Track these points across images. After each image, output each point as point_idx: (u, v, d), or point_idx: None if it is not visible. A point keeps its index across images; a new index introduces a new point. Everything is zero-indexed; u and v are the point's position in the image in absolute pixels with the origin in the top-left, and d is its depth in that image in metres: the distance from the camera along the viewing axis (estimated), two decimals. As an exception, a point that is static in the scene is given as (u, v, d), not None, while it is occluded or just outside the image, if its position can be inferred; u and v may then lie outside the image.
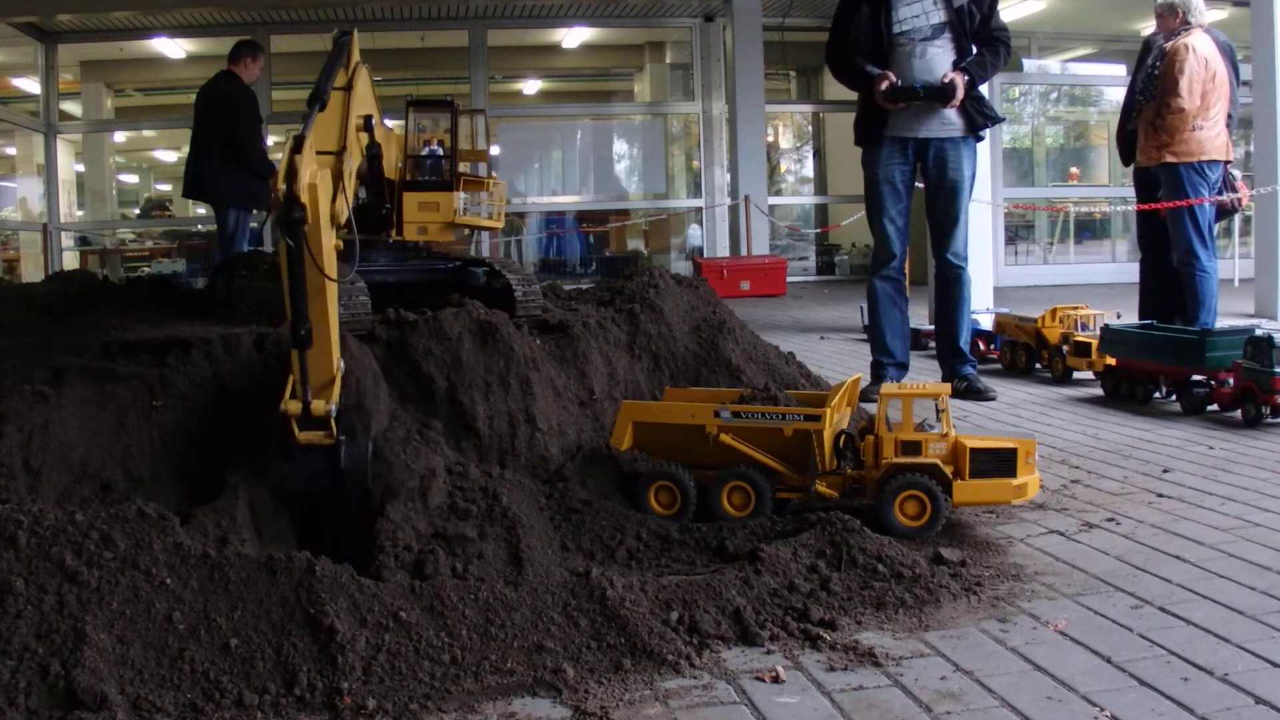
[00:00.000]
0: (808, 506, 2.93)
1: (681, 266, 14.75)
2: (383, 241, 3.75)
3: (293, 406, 2.54)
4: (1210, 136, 5.91)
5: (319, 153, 2.54)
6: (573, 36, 16.22)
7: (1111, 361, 4.97)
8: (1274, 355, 4.11)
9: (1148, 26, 15.14)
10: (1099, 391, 5.07)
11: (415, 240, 3.74)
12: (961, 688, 2.01)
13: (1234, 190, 6.10)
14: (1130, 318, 5.89)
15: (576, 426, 3.25)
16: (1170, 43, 5.90)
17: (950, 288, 5.07)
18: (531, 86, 18.37)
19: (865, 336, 5.60)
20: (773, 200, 15.22)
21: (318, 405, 2.54)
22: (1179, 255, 5.91)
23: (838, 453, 3.03)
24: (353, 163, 2.81)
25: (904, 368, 5.09)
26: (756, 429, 2.99)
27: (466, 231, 4.13)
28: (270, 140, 9.89)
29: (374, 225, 3.59)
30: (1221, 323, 5.94)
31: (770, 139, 17.17)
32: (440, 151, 3.81)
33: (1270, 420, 4.19)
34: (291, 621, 2.07)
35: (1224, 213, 6.30)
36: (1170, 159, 5.91)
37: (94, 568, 2.07)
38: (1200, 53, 5.83)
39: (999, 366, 5.92)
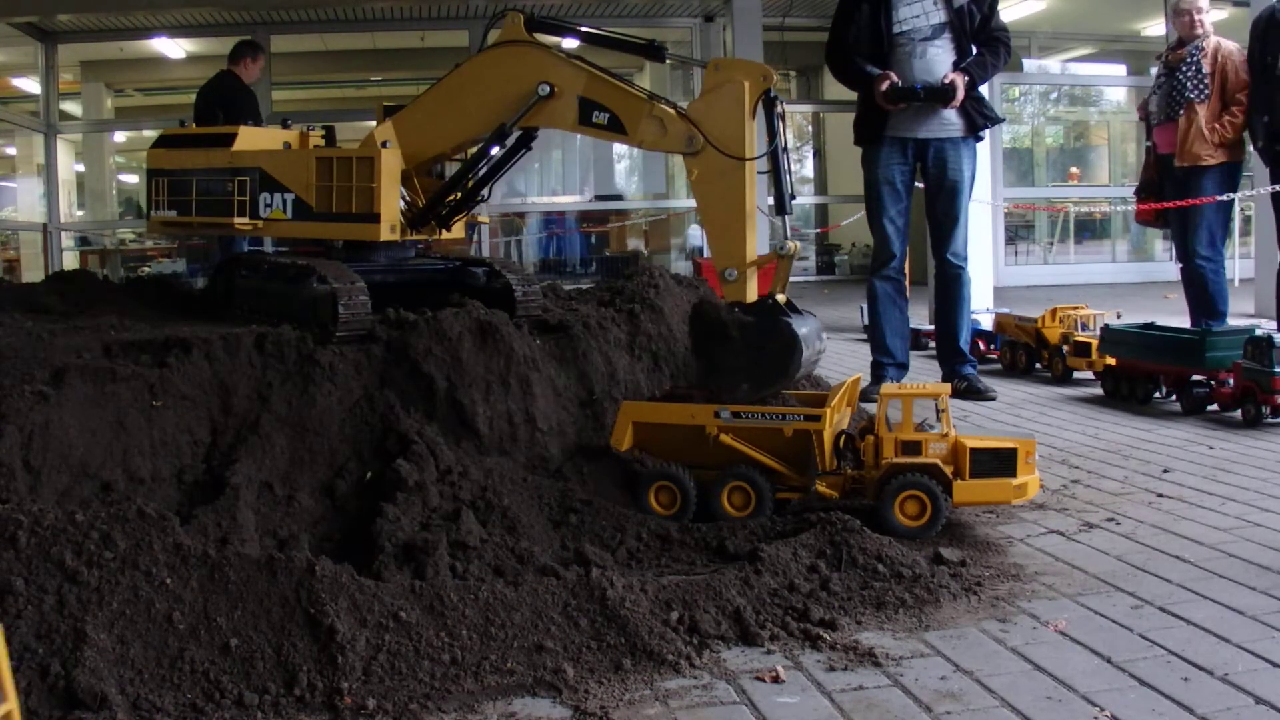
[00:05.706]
0: (808, 506, 2.92)
1: (681, 266, 14.73)
2: (421, 245, 3.83)
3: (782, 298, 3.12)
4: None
5: None
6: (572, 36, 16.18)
7: (1111, 361, 4.97)
8: (1274, 355, 4.11)
9: (1148, 26, 15.19)
10: (1099, 391, 5.07)
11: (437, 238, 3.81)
12: (961, 688, 2.01)
13: None
14: (1130, 317, 5.88)
15: (576, 426, 3.25)
16: (1209, 41, 5.91)
17: (950, 288, 5.07)
18: (531, 86, 18.30)
19: (865, 336, 5.60)
20: (773, 200, 15.17)
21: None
22: (1203, 250, 5.95)
23: (838, 453, 3.03)
24: None
25: (904, 368, 5.09)
26: (756, 429, 2.99)
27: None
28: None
29: (424, 225, 3.68)
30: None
31: (770, 139, 17.11)
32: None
33: (1270, 420, 4.19)
34: (291, 621, 2.07)
35: None
36: (1225, 158, 5.93)
37: (94, 568, 2.07)
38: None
39: (999, 366, 5.92)
